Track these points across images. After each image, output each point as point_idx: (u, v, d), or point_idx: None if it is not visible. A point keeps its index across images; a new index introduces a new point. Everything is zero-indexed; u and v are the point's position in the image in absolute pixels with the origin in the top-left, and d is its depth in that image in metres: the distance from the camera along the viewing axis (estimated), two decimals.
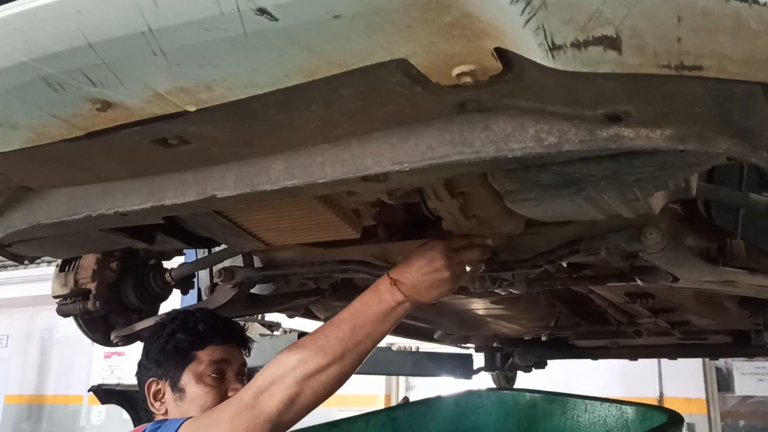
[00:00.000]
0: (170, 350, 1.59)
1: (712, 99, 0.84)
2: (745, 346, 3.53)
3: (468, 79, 0.84)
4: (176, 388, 1.56)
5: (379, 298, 1.39)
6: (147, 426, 1.47)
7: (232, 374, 1.61)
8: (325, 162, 1.04)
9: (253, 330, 3.75)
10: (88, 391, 5.27)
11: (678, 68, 0.76)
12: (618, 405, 2.17)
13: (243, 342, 1.69)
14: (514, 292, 1.89)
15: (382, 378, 8.66)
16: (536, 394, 2.45)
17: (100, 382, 6.20)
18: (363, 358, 1.39)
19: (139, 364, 1.67)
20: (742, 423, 8.14)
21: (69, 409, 11.08)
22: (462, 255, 1.42)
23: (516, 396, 2.47)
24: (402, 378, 8.97)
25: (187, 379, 1.56)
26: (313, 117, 0.97)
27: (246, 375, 1.66)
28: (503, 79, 0.86)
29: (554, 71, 0.80)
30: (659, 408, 1.92)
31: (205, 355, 1.58)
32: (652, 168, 1.01)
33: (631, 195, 1.13)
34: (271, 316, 4.18)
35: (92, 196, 1.23)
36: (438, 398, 2.48)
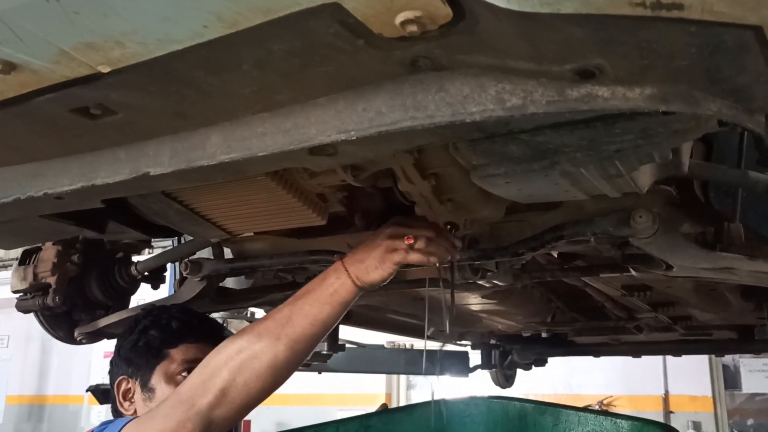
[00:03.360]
0: (141, 347, 1.50)
1: (697, 50, 0.73)
2: (750, 341, 3.40)
3: (414, 28, 0.73)
4: (146, 387, 1.47)
5: (324, 278, 1.29)
6: (95, 427, 1.38)
7: None
8: (266, 133, 0.93)
9: (240, 327, 3.65)
10: (86, 391, 5.17)
11: (654, 6, 0.65)
12: (612, 419, 2.07)
13: (220, 340, 1.58)
14: (499, 283, 1.77)
15: (382, 377, 8.55)
16: (527, 404, 2.33)
17: (98, 382, 6.11)
18: (304, 346, 1.27)
19: (111, 362, 1.58)
20: (750, 422, 8.00)
21: (69, 410, 11.03)
22: (405, 228, 1.31)
23: (506, 405, 2.34)
24: (402, 377, 8.86)
25: (157, 379, 1.47)
26: (247, 80, 0.86)
27: None
28: (456, 29, 0.74)
29: (511, 16, 0.69)
30: (655, 422, 1.82)
31: (178, 354, 1.48)
32: (633, 136, 0.89)
33: (612, 169, 1.01)
34: (261, 314, 4.07)
35: (21, 178, 1.12)
36: (420, 405, 2.35)
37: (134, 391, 1.49)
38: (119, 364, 1.54)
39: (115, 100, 0.91)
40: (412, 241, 1.28)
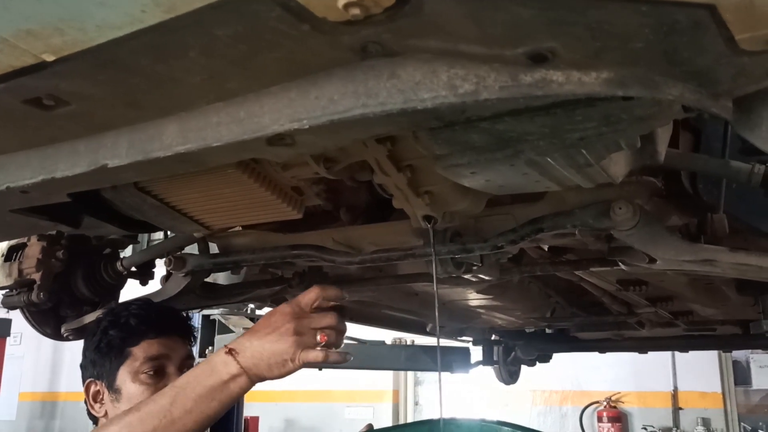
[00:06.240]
0: (104, 349, 1.48)
1: (651, 30, 0.70)
2: (750, 336, 3.35)
3: (357, 12, 0.70)
4: (112, 388, 1.46)
5: (212, 369, 1.17)
6: None
7: (173, 368, 1.49)
8: (220, 123, 0.91)
9: (239, 323, 3.63)
10: None
11: None
12: None
13: (184, 333, 1.56)
14: (485, 277, 1.74)
15: (389, 373, 8.53)
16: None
17: None
18: None
19: (80, 366, 1.56)
20: (760, 423, 7.90)
21: (81, 406, 11.05)
22: (313, 319, 1.18)
23: (500, 431, 2.31)
24: (410, 373, 8.83)
25: (122, 378, 1.45)
26: (196, 67, 0.84)
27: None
28: (402, 12, 0.72)
29: None
30: None
31: (140, 351, 1.46)
32: (595, 123, 0.86)
33: (580, 158, 0.98)
34: (261, 310, 4.06)
35: None
36: (410, 426, 2.31)
37: (103, 393, 1.48)
38: (86, 366, 1.53)
39: (65, 90, 0.89)
40: (326, 339, 1.18)
